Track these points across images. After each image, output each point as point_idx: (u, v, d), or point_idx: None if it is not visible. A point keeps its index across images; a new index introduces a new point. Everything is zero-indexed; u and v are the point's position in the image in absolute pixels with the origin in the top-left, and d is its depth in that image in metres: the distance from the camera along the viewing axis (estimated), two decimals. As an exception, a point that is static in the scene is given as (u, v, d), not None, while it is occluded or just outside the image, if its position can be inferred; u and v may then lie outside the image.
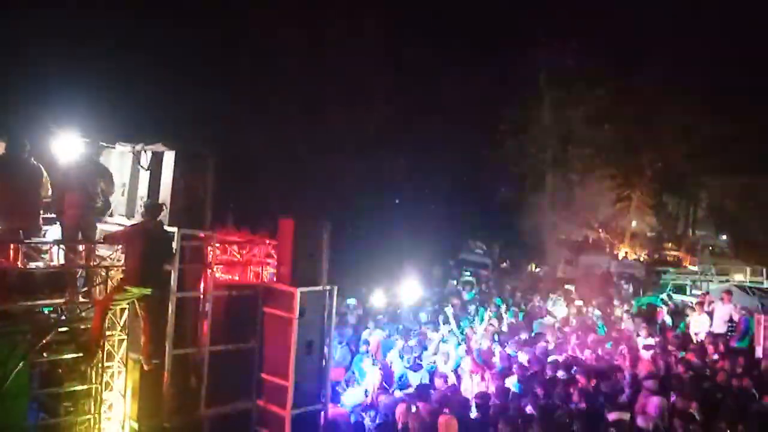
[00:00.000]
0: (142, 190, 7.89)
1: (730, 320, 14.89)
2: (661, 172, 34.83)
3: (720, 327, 14.75)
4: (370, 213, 21.91)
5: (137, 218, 7.63)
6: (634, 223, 37.08)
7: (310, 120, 22.86)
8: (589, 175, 30.87)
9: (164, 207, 7.42)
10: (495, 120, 28.66)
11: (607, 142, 30.70)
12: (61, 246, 7.31)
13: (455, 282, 21.15)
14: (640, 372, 10.51)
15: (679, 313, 17.00)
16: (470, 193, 27.32)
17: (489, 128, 28.38)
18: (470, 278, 22.12)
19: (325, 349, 8.19)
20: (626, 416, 8.54)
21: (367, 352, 11.25)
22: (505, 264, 28.01)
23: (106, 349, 7.09)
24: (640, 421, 8.43)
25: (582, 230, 33.98)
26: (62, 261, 7.24)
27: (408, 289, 15.31)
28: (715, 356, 12.40)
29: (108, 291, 7.10)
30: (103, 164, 7.79)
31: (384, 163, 24.71)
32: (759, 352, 13.48)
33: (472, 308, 15.72)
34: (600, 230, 36.13)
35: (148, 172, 7.83)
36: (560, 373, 10.57)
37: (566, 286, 20.89)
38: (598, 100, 30.05)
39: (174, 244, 7.17)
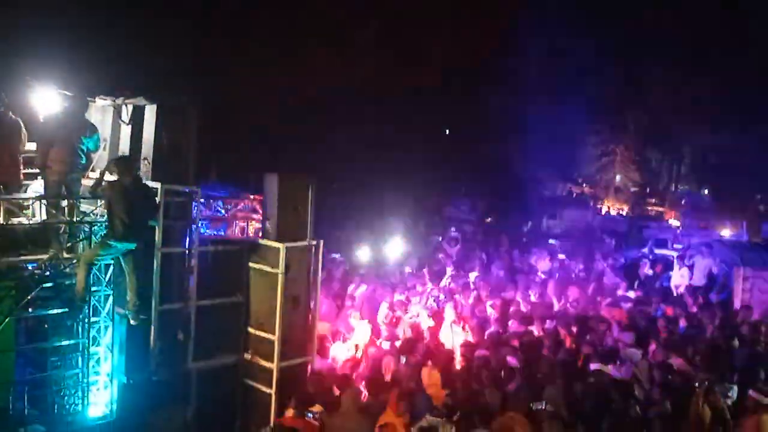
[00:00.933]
0: (124, 145, 7.78)
1: (710, 273, 15.16)
2: (645, 127, 34.94)
3: (700, 280, 15.03)
4: (355, 168, 21.83)
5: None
6: (617, 178, 37.36)
7: (295, 74, 22.56)
8: (573, 128, 30.87)
9: (147, 161, 7.34)
10: (480, 74, 28.40)
11: (593, 96, 30.60)
12: (43, 201, 7.24)
13: (440, 237, 21.28)
14: (618, 324, 10.71)
15: (660, 267, 17.24)
16: (455, 148, 27.23)
17: (474, 82, 28.14)
18: (455, 234, 22.25)
19: (311, 304, 8.25)
20: (607, 368, 8.73)
21: (354, 306, 11.35)
22: (489, 219, 28.13)
23: (92, 304, 7.10)
24: (620, 372, 8.62)
25: (566, 185, 34.18)
26: (44, 217, 7.18)
27: (393, 244, 15.38)
28: (695, 309, 12.66)
29: (92, 246, 7.07)
30: (87, 119, 7.64)
31: (369, 118, 24.53)
32: (737, 304, 13.79)
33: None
34: (584, 185, 36.37)
35: (130, 126, 7.71)
36: (544, 325, 10.77)
37: (549, 241, 21.11)
38: (584, 52, 29.83)
39: (157, 199, 7.11)
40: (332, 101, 22.61)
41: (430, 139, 25.84)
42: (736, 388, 8.22)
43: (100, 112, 8.05)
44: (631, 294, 13.74)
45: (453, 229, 23.27)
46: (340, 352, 10.15)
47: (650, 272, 16.41)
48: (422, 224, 23.40)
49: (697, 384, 7.85)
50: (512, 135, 29.23)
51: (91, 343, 7.18)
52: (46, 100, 7.60)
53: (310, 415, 6.97)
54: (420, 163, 24.36)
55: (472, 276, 14.52)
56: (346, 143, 22.08)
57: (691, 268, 15.46)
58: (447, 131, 27.00)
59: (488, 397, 7.60)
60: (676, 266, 15.82)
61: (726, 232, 24.85)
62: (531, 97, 29.52)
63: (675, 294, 14.34)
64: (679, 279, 15.31)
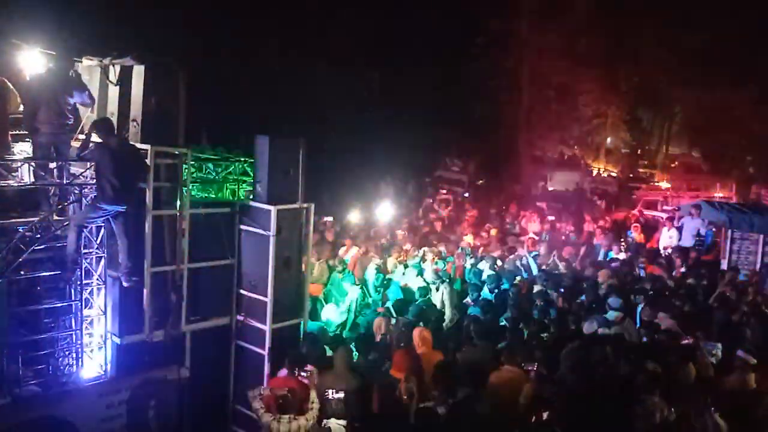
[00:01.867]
0: (112, 106, 7.68)
1: (698, 234, 15.31)
2: (636, 86, 34.79)
3: (688, 241, 15.18)
4: (345, 130, 21.70)
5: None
6: (608, 140, 37.35)
7: (284, 36, 22.23)
8: (565, 90, 30.72)
9: (136, 123, 7.26)
10: (471, 33, 28.07)
11: (584, 56, 30.38)
12: (32, 164, 7.18)
13: (431, 200, 21.34)
14: (604, 284, 10.85)
15: (650, 228, 17.41)
16: (446, 109, 27.05)
17: (465, 42, 27.82)
18: (446, 196, 22.32)
19: (303, 266, 8.29)
20: (593, 326, 8.86)
21: (345, 269, 11.43)
22: (481, 181, 28.18)
23: (84, 266, 7.10)
24: (609, 332, 8.74)
25: (557, 147, 34.17)
26: (33, 179, 7.13)
27: (383, 206, 15.42)
28: (683, 269, 12.82)
29: (82, 209, 7.04)
30: (74, 77, 7.53)
31: (359, 79, 24.29)
32: (724, 265, 13.97)
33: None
34: (575, 147, 36.35)
35: (117, 87, 7.60)
36: (535, 287, 10.91)
37: (537, 204, 21.19)
38: (575, 12, 29.53)
39: (147, 161, 7.06)
40: (321, 62, 22.33)
41: (421, 101, 25.63)
42: (720, 346, 8.39)
43: (87, 72, 7.92)
44: (621, 255, 13.89)
45: (444, 191, 23.36)
46: (332, 314, 10.27)
47: (639, 234, 16.58)
48: (413, 186, 23.45)
49: (683, 342, 8.01)
50: (504, 95, 29.07)
51: (83, 305, 7.20)
52: (32, 60, 7.46)
53: (303, 374, 7.09)
54: (410, 124, 24.23)
55: (467, 238, 14.62)
56: (335, 103, 21.90)
57: (679, 229, 15.61)
58: (438, 92, 26.77)
59: (480, 355, 7.73)
60: (664, 227, 15.97)
61: (715, 194, 25.04)
62: (523, 57, 29.32)
63: (663, 255, 14.49)
64: (667, 240, 15.48)
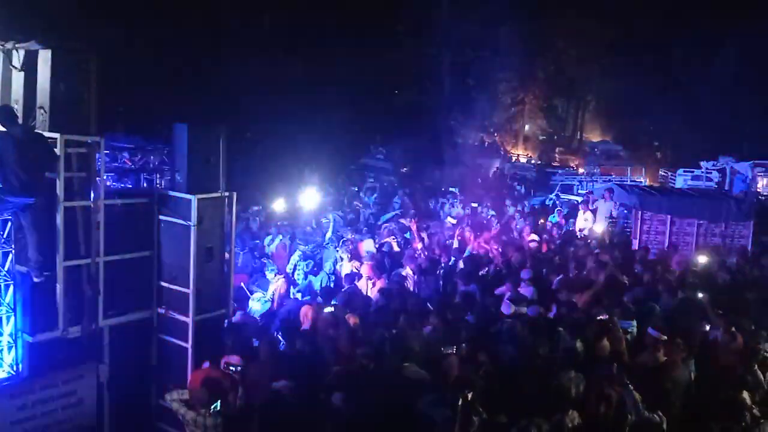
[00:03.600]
0: (17, 93, 7.27)
1: (611, 216, 16.03)
2: (552, 75, 35.95)
3: (602, 223, 15.87)
4: (268, 118, 21.39)
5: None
6: (527, 127, 38.45)
7: (204, 23, 21.65)
8: (485, 78, 31.37)
9: (44, 110, 6.90)
10: (394, 20, 28.19)
11: (502, 45, 31.10)
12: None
13: (356, 188, 21.35)
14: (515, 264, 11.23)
15: (567, 211, 18.06)
16: (370, 97, 27.09)
17: (387, 29, 27.91)
18: (373, 183, 22.39)
19: (227, 256, 8.13)
20: (523, 309, 9.12)
21: (270, 258, 11.31)
22: (405, 168, 28.41)
23: (-11, 263, 6.73)
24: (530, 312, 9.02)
25: (478, 134, 34.89)
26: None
27: (308, 194, 15.31)
28: (597, 250, 13.37)
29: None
30: None
31: (280, 67, 23.97)
32: (635, 245, 14.70)
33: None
34: (495, 134, 37.22)
35: (23, 73, 7.20)
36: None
37: (451, 189, 21.48)
38: (494, 2, 30.13)
39: (57, 151, 6.73)
40: (242, 49, 21.89)
41: (344, 91, 25.55)
42: (635, 323, 8.83)
43: (-11, 57, 7.46)
44: (535, 237, 14.35)
45: (371, 179, 23.42)
46: (257, 304, 10.15)
47: (557, 217, 17.18)
48: (339, 174, 23.38)
49: (598, 319, 8.38)
50: (427, 84, 29.39)
51: (-10, 303, 6.83)
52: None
53: (229, 366, 6.98)
54: (333, 112, 24.13)
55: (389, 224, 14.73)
56: (257, 91, 21.54)
57: (594, 212, 16.29)
58: (361, 80, 26.74)
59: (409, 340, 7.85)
60: (580, 210, 16.62)
61: (626, 177, 26.25)
62: (445, 47, 29.70)
63: (579, 236, 15.09)
64: (583, 223, 16.12)
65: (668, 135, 32.43)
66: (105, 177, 7.35)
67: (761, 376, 7.68)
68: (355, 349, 7.31)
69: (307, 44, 24.75)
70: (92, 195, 7.09)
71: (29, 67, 7.13)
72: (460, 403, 5.89)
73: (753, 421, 6.67)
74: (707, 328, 8.92)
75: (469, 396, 5.92)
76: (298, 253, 11.49)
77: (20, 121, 6.88)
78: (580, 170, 30.13)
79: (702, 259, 12.92)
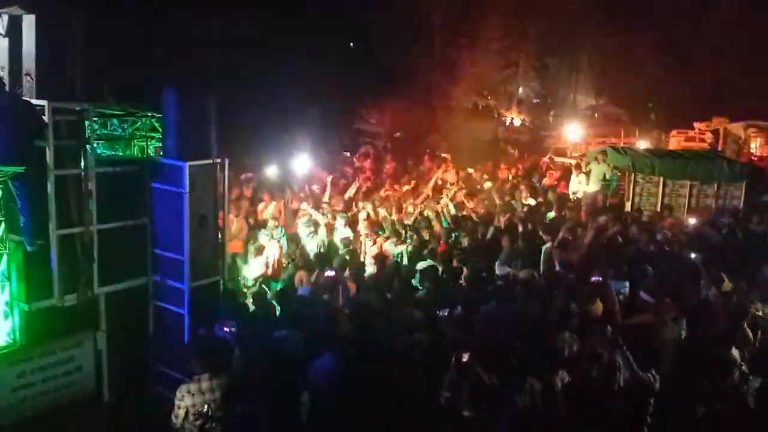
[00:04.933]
0: (2, 60, 7.13)
1: (605, 178, 16.05)
2: (544, 33, 35.44)
3: (595, 185, 15.89)
4: (258, 82, 21.14)
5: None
6: (520, 90, 38.14)
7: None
8: (477, 38, 30.98)
9: (30, 77, 6.80)
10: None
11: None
12: None
13: (348, 153, 21.24)
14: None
15: (562, 174, 18.04)
16: (361, 59, 26.75)
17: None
18: (366, 149, 22.22)
19: (220, 222, 8.12)
20: (505, 269, 9.19)
21: (264, 224, 11.29)
22: (398, 134, 28.21)
23: (-18, 232, 6.70)
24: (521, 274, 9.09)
25: (471, 97, 34.59)
26: None
27: (300, 160, 15.20)
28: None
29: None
30: None
31: (270, 29, 23.59)
32: (628, 207, 14.75)
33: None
34: (488, 97, 36.92)
35: (7, 39, 7.06)
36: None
37: (442, 154, 21.33)
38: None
39: (45, 118, 6.65)
40: (230, 11, 21.54)
41: (332, 52, 25.20)
42: (628, 284, 8.90)
43: (-29, 23, 7.31)
44: (531, 201, 14.37)
45: (364, 147, 23.24)
46: (252, 271, 10.18)
47: (549, 180, 17.19)
48: (331, 138, 23.21)
49: (592, 280, 8.44)
50: (417, 46, 29.00)
51: (-16, 272, 6.82)
52: None
53: (225, 330, 7.02)
54: (326, 74, 23.86)
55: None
56: (247, 54, 21.24)
57: (587, 174, 16.28)
58: (351, 43, 26.35)
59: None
60: (573, 173, 16.61)
61: (620, 139, 26.19)
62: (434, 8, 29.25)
63: (572, 200, 15.12)
64: (576, 185, 16.13)
65: (662, 96, 32.22)
66: (95, 144, 7.27)
67: (750, 334, 7.80)
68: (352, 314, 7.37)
69: (295, 4, 24.37)
70: (83, 163, 7.03)
71: (13, 32, 7.00)
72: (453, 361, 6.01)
73: (741, 378, 6.79)
74: (701, 287, 9.01)
75: (465, 357, 6.01)
76: (304, 216, 11.47)
77: (7, 88, 6.77)
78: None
79: (694, 220, 12.99)
